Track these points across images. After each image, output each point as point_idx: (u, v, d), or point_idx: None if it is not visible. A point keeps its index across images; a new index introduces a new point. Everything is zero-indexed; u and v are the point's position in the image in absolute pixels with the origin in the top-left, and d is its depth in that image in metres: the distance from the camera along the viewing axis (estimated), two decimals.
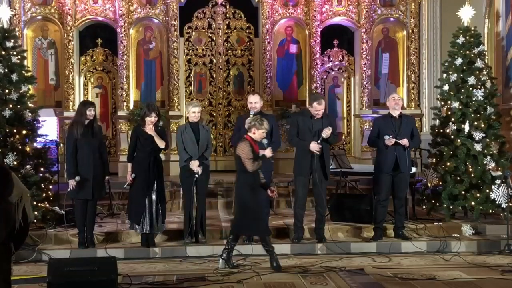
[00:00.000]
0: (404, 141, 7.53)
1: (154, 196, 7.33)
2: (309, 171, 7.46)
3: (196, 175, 7.40)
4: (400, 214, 7.75)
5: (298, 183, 7.61)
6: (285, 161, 10.74)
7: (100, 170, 7.35)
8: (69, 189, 7.31)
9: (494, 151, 8.45)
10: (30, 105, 8.31)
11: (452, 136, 8.54)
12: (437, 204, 8.53)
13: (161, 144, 7.38)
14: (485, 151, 8.40)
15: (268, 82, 11.67)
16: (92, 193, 7.28)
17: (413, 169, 8.79)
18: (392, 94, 8.11)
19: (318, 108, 7.43)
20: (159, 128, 7.56)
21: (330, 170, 7.81)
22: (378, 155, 7.78)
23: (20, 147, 7.93)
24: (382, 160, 7.66)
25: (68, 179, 7.31)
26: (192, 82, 11.93)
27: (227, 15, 11.94)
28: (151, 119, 7.36)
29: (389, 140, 7.51)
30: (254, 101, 7.51)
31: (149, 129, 7.40)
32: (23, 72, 8.34)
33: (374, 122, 8.15)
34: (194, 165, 7.40)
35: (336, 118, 11.55)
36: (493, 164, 8.37)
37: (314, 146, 7.33)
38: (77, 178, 7.21)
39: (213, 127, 11.81)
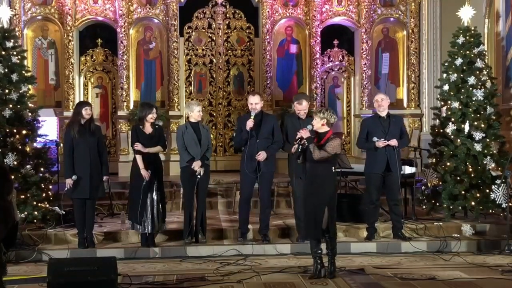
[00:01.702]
0: (393, 142, 7.53)
1: (154, 196, 7.33)
2: (304, 172, 7.45)
3: (199, 176, 7.40)
4: (397, 214, 7.73)
5: (295, 185, 7.61)
6: (284, 161, 10.69)
7: (98, 170, 7.34)
8: (66, 188, 7.32)
9: (494, 151, 8.45)
10: (30, 105, 8.32)
11: (452, 136, 8.54)
12: (437, 204, 8.53)
13: (158, 149, 7.42)
14: (485, 151, 8.40)
15: (268, 82, 11.67)
16: (90, 192, 7.28)
17: (413, 169, 8.80)
18: (376, 95, 8.05)
19: (299, 108, 7.49)
20: (157, 127, 7.55)
21: None
22: (368, 155, 7.78)
23: (20, 147, 7.93)
24: (372, 160, 7.66)
25: (64, 178, 7.32)
26: (192, 82, 11.93)
27: (227, 15, 11.93)
28: (152, 116, 7.38)
29: (380, 142, 7.52)
30: (255, 102, 7.50)
31: (148, 127, 7.40)
32: (23, 72, 8.34)
33: (363, 123, 8.13)
34: (197, 165, 7.39)
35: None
36: (493, 164, 8.37)
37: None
38: (73, 177, 7.22)
39: (213, 127, 11.81)
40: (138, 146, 7.27)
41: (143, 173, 7.24)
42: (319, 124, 6.33)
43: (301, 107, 7.48)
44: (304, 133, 6.27)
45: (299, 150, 6.31)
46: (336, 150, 6.23)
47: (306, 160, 6.34)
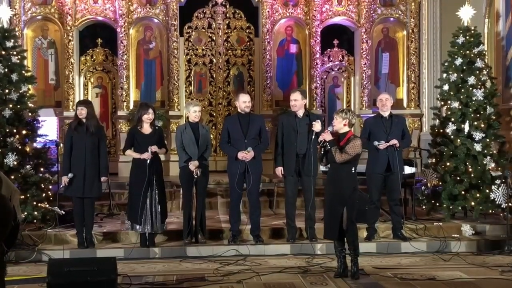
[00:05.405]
0: (394, 141, 7.53)
1: (154, 196, 7.33)
2: (296, 171, 7.47)
3: (195, 176, 7.40)
4: (397, 214, 7.73)
5: (286, 183, 7.63)
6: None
7: (94, 169, 7.33)
8: (61, 186, 7.33)
9: (494, 151, 8.45)
10: (30, 105, 8.32)
11: (452, 136, 8.54)
12: (437, 204, 8.52)
13: (161, 152, 7.45)
14: (485, 151, 8.40)
15: (268, 82, 11.67)
16: (83, 191, 7.27)
17: (413, 169, 8.79)
18: (381, 94, 8.07)
19: (291, 98, 7.54)
20: (157, 128, 7.56)
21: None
22: (370, 156, 7.79)
23: (20, 147, 7.93)
24: (374, 160, 7.67)
25: (61, 176, 7.34)
26: (192, 82, 11.92)
27: (227, 15, 11.92)
28: (148, 116, 7.37)
29: (381, 145, 7.53)
30: (248, 100, 7.59)
31: (146, 128, 7.40)
32: (23, 72, 8.34)
33: (365, 122, 8.15)
34: (193, 165, 7.40)
35: None
36: (493, 164, 8.37)
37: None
38: (69, 175, 7.24)
39: (213, 127, 11.80)
40: (144, 155, 7.26)
41: (145, 156, 7.23)
42: (340, 124, 6.31)
43: (293, 96, 7.52)
44: (326, 136, 6.26)
45: (322, 152, 6.33)
46: (357, 150, 6.22)
47: (328, 161, 6.36)
